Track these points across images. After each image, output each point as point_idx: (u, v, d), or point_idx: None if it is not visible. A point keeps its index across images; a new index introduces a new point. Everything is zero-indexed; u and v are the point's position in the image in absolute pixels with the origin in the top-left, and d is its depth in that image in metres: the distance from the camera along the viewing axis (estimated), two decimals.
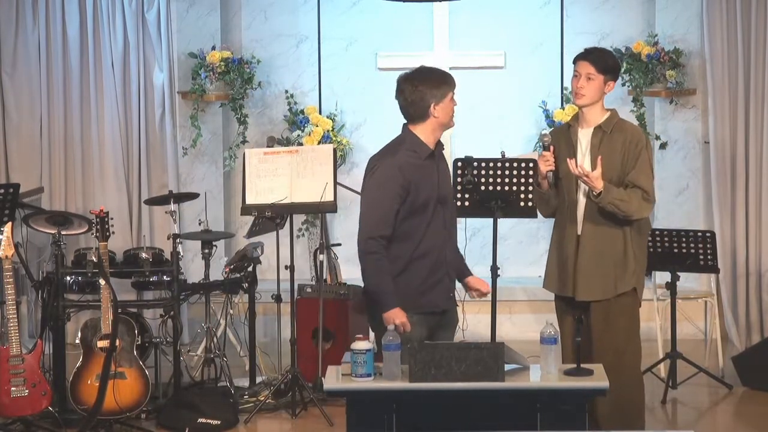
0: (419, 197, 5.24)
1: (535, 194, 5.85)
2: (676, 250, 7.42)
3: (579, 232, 5.66)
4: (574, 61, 5.70)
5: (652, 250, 7.43)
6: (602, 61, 5.62)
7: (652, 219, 8.87)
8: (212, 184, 8.97)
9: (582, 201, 5.65)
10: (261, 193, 7.11)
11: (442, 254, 5.33)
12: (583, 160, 5.62)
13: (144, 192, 8.94)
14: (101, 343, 6.62)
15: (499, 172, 6.99)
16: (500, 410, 4.88)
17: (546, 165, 5.65)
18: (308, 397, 7.06)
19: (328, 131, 8.88)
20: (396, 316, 5.18)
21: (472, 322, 8.40)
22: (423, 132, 5.32)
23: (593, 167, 5.53)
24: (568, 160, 5.55)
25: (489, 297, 7.29)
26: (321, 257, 7.49)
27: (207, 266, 7.62)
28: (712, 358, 8.09)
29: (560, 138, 5.75)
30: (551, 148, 5.66)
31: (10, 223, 6.59)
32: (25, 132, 8.93)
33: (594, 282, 5.62)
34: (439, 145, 5.41)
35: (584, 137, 5.67)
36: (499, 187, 6.93)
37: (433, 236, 5.29)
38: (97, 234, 6.72)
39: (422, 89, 5.27)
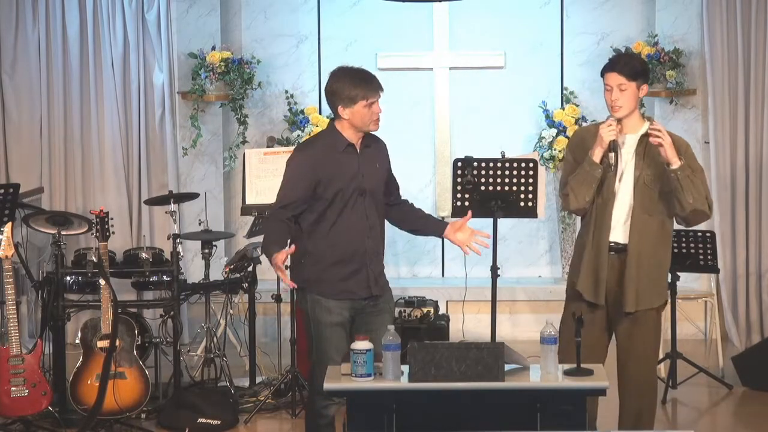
0: (330, 187, 5.33)
1: (579, 173, 5.51)
2: (676, 250, 7.42)
3: (621, 240, 5.49)
4: (602, 74, 5.53)
5: None
6: (630, 67, 5.47)
7: None
8: (212, 184, 8.97)
9: (620, 206, 5.48)
10: (261, 193, 7.12)
11: (361, 245, 5.39)
12: (625, 167, 5.48)
13: (144, 192, 8.94)
14: (101, 343, 6.62)
15: (499, 172, 6.99)
16: (500, 410, 4.88)
17: (610, 132, 5.41)
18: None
19: (330, 124, 8.87)
20: (277, 257, 5.21)
21: (472, 322, 8.41)
22: (341, 127, 5.42)
23: (637, 173, 5.43)
24: (657, 132, 5.36)
25: (489, 297, 7.33)
26: None
27: (207, 266, 7.62)
28: (712, 358, 8.09)
29: (595, 139, 5.52)
30: (618, 123, 5.45)
31: (10, 223, 6.60)
32: (25, 132, 8.93)
33: (641, 292, 5.50)
34: (373, 140, 5.47)
35: (625, 143, 5.52)
36: (499, 187, 6.93)
37: (348, 227, 5.36)
38: (97, 234, 6.73)
39: (334, 88, 5.35)
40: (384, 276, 5.53)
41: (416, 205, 5.69)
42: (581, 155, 5.54)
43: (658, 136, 5.38)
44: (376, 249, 5.46)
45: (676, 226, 7.83)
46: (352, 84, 5.31)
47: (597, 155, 5.46)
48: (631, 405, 5.59)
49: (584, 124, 8.83)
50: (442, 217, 9.10)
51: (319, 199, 5.35)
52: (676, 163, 5.36)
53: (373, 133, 5.49)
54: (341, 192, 5.35)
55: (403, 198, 5.67)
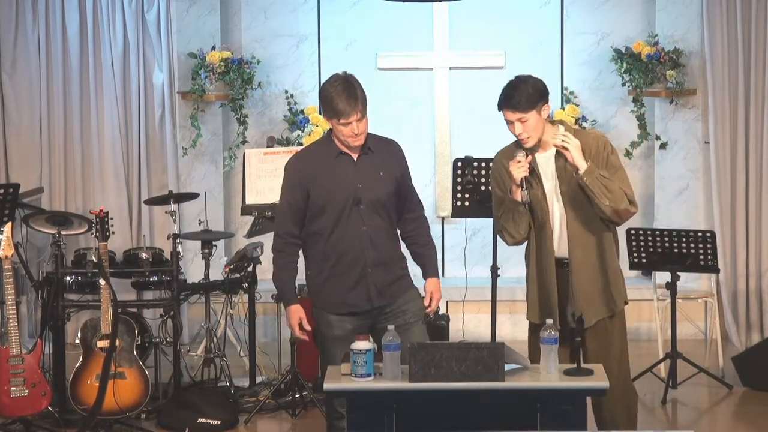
0: (320, 197, 5.28)
1: (504, 211, 5.40)
2: (676, 250, 7.42)
3: (564, 255, 5.39)
4: (499, 109, 5.34)
5: (652, 250, 7.44)
6: (524, 99, 5.24)
7: (652, 219, 8.89)
8: (212, 184, 8.97)
9: (558, 224, 5.39)
10: (261, 193, 7.12)
11: (360, 256, 5.30)
12: (554, 186, 5.37)
13: (144, 192, 8.93)
14: (101, 343, 6.62)
15: None
16: (500, 410, 4.88)
17: (520, 170, 5.28)
18: (308, 397, 7.06)
19: (327, 131, 8.87)
20: (292, 316, 5.35)
21: (472, 322, 8.42)
22: (335, 136, 5.36)
23: (564, 188, 5.33)
24: (561, 136, 5.26)
25: (489, 297, 7.34)
26: None
27: (207, 266, 7.62)
28: (712, 358, 8.09)
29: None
30: (528, 155, 5.32)
31: (10, 223, 6.60)
32: (25, 132, 8.93)
33: (594, 304, 5.41)
34: (383, 145, 5.39)
35: (544, 161, 5.39)
36: None
37: (343, 238, 5.29)
38: (97, 234, 6.72)
39: (320, 99, 5.35)
40: (396, 285, 5.38)
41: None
42: (504, 185, 5.42)
43: (564, 140, 5.26)
44: (380, 259, 5.33)
45: (677, 226, 7.90)
46: (323, 101, 5.29)
47: (515, 193, 5.33)
48: (614, 417, 5.47)
49: (584, 125, 8.83)
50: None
51: (312, 209, 5.31)
52: (582, 167, 5.24)
53: (385, 137, 5.45)
54: (332, 201, 5.27)
55: (419, 216, 5.52)
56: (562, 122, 5.48)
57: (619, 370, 5.49)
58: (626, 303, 5.55)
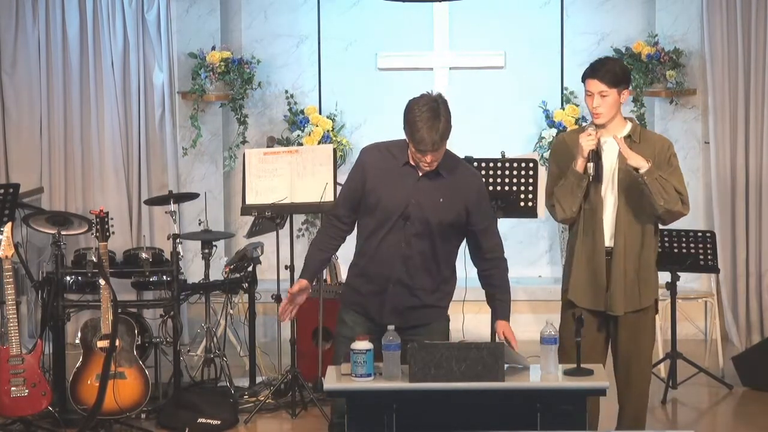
0: (373, 196, 5.16)
1: (564, 184, 5.45)
2: (676, 250, 7.42)
3: (609, 244, 5.43)
4: (583, 80, 5.46)
5: None
6: (612, 74, 5.39)
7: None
8: (212, 184, 8.97)
9: (610, 210, 5.43)
10: (261, 193, 7.11)
11: (388, 270, 5.16)
12: (613, 172, 5.41)
13: (144, 192, 8.94)
14: (101, 343, 6.62)
15: (499, 172, 6.99)
16: (500, 410, 4.88)
17: (589, 142, 5.34)
18: (308, 397, 7.06)
19: (328, 131, 8.88)
20: (295, 284, 5.25)
21: (472, 322, 8.41)
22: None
23: (621, 176, 5.38)
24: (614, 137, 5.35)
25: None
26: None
27: (207, 266, 7.62)
28: (712, 358, 8.09)
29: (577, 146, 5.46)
30: (597, 131, 5.38)
31: (10, 223, 6.60)
32: (25, 132, 8.93)
33: (625, 295, 5.44)
34: (458, 172, 5.19)
35: (609, 146, 5.43)
36: (499, 187, 6.93)
37: (381, 246, 5.16)
38: (97, 234, 6.72)
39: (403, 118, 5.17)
40: (420, 311, 5.22)
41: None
42: (565, 163, 5.46)
43: (625, 150, 5.34)
44: (407, 282, 5.17)
45: (677, 226, 7.89)
46: (408, 124, 5.08)
47: (580, 165, 5.38)
48: (630, 408, 5.56)
49: (584, 125, 8.83)
50: None
51: (364, 204, 5.20)
52: (643, 167, 5.30)
53: (468, 167, 5.29)
54: (382, 207, 5.14)
55: (497, 257, 5.31)
56: (631, 119, 5.55)
57: (646, 366, 5.56)
58: (657, 302, 5.56)
